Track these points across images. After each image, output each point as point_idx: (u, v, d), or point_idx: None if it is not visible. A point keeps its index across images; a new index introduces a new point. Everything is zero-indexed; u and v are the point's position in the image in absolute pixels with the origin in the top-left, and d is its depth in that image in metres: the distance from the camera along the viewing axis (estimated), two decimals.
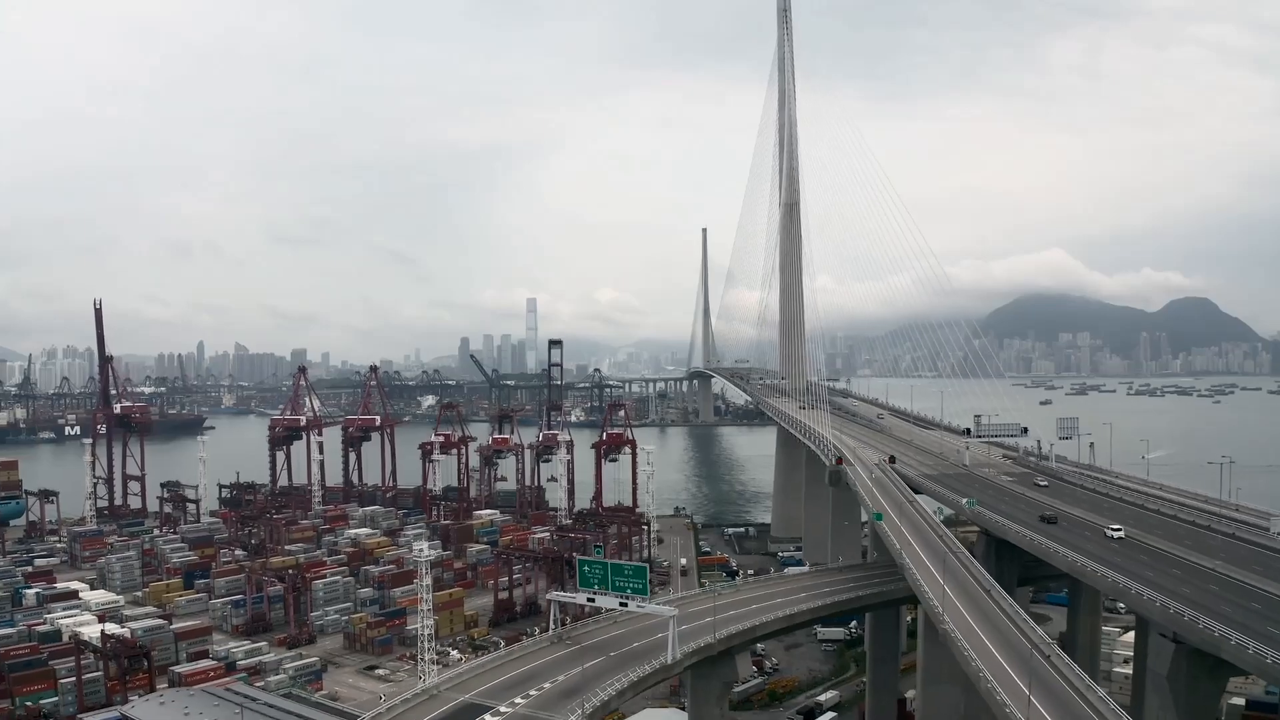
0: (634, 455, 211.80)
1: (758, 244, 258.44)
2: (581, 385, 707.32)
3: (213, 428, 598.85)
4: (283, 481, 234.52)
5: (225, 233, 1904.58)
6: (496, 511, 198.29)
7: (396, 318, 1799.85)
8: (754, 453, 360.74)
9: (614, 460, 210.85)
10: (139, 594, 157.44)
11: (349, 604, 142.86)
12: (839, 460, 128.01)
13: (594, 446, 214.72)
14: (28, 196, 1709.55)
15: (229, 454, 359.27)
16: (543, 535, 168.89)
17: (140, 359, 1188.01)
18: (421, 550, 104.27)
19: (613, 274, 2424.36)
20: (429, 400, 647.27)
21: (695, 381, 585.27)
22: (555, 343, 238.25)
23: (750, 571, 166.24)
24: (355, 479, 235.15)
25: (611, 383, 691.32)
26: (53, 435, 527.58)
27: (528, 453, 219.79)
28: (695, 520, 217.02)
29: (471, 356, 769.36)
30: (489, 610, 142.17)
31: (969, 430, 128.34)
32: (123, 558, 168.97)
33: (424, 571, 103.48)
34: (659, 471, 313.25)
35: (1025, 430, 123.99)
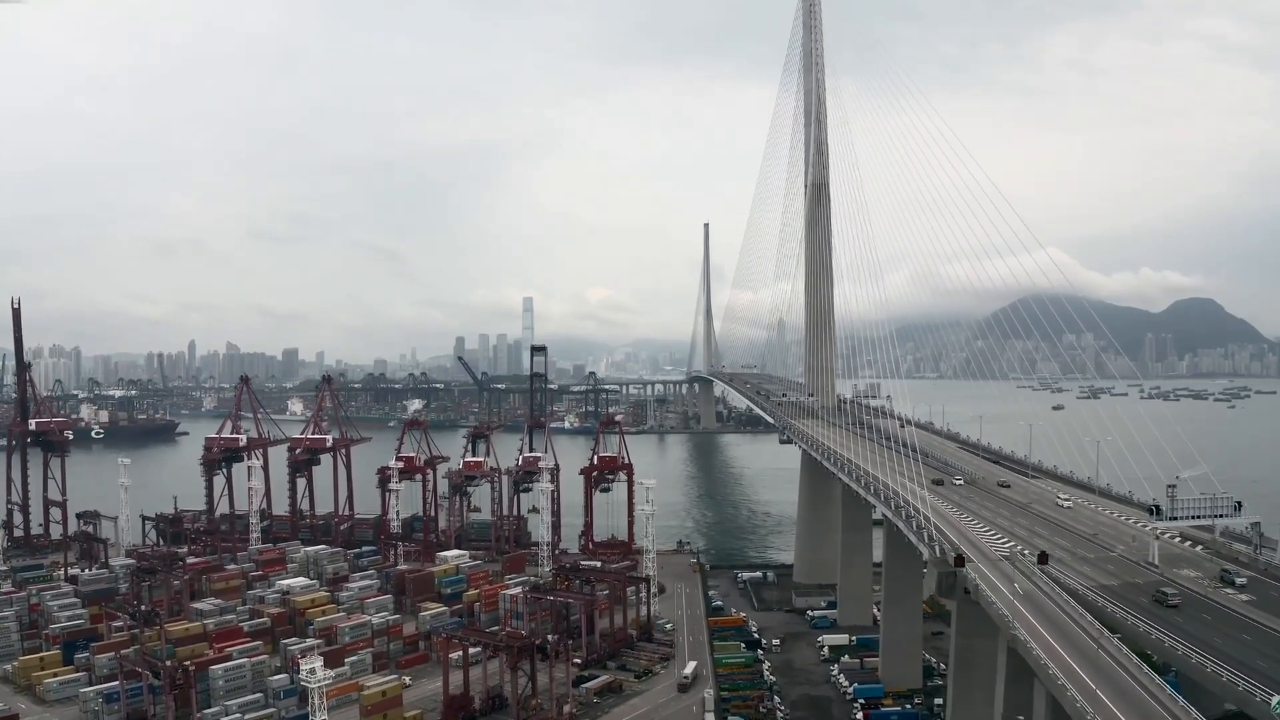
0: (630, 483, 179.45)
1: (768, 238, 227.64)
2: (576, 388, 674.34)
3: (185, 434, 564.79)
4: (225, 509, 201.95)
5: (211, 230, 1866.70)
6: (465, 554, 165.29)
7: (389, 316, 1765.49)
8: (762, 465, 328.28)
9: (606, 490, 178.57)
10: (10, 667, 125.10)
11: (259, 695, 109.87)
12: (959, 559, 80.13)
13: (583, 472, 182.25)
14: (11, 193, 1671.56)
15: (187, 468, 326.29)
16: (517, 590, 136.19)
17: (131, 358, 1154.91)
18: (313, 670, 71.75)
19: (607, 273, 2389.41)
20: (415, 405, 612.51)
21: (696, 385, 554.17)
22: (539, 349, 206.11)
23: (776, 642, 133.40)
24: (307, 507, 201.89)
25: (608, 386, 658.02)
26: (13, 443, 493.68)
27: (505, 479, 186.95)
28: (701, 559, 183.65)
29: (460, 359, 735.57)
30: (439, 702, 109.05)
31: (1157, 508, 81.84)
32: None
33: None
34: (658, 490, 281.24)
35: (1239, 506, 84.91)
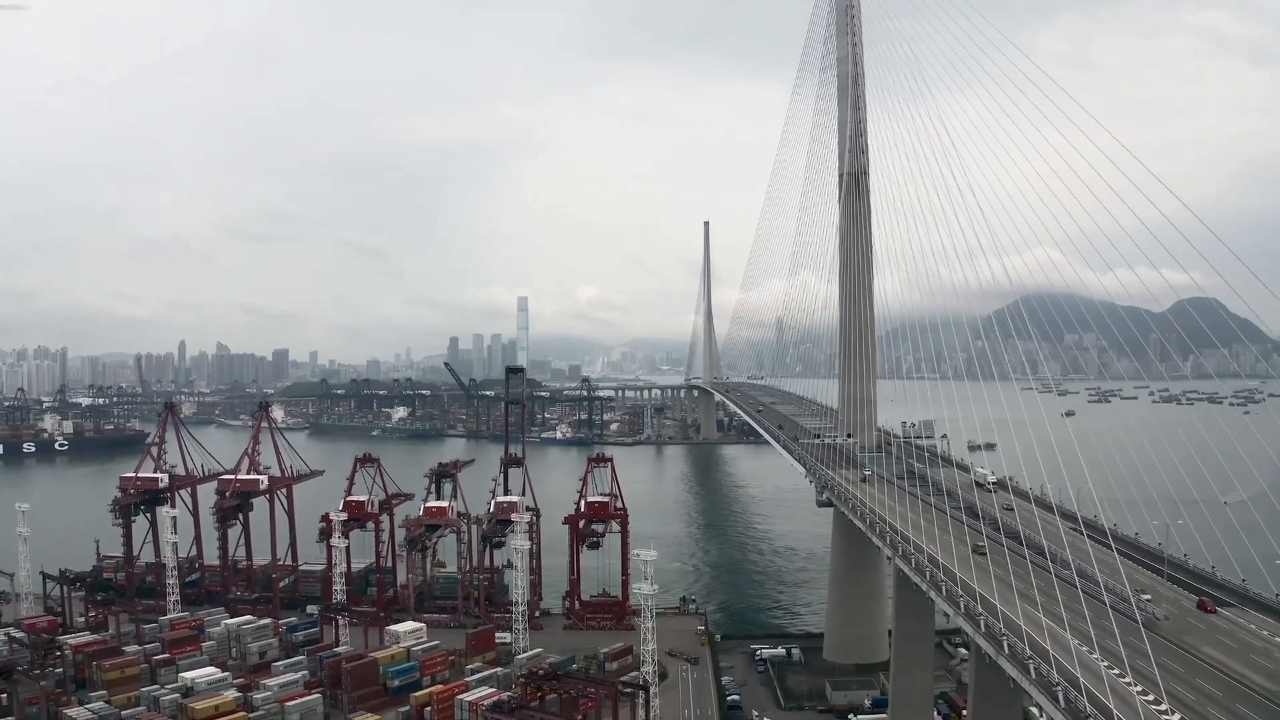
0: (624, 532, 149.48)
1: (782, 237, 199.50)
2: (571, 389, 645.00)
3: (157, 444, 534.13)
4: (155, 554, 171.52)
5: (194, 229, 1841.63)
6: (422, 627, 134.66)
7: (381, 316, 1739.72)
8: (770, 485, 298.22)
9: (595, 545, 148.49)
10: None
11: None
12: None
13: (567, 521, 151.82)
14: None
15: None
16: (478, 695, 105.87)
17: (121, 358, 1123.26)
18: None
19: (599, 272, 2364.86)
20: (400, 413, 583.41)
21: (695, 390, 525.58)
22: (515, 370, 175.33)
23: None
24: (243, 555, 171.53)
25: (603, 389, 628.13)
26: None
27: (474, 529, 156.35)
28: (709, 624, 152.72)
29: (447, 365, 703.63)
30: None
31: None
32: None
33: None
34: (657, 520, 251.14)
35: None
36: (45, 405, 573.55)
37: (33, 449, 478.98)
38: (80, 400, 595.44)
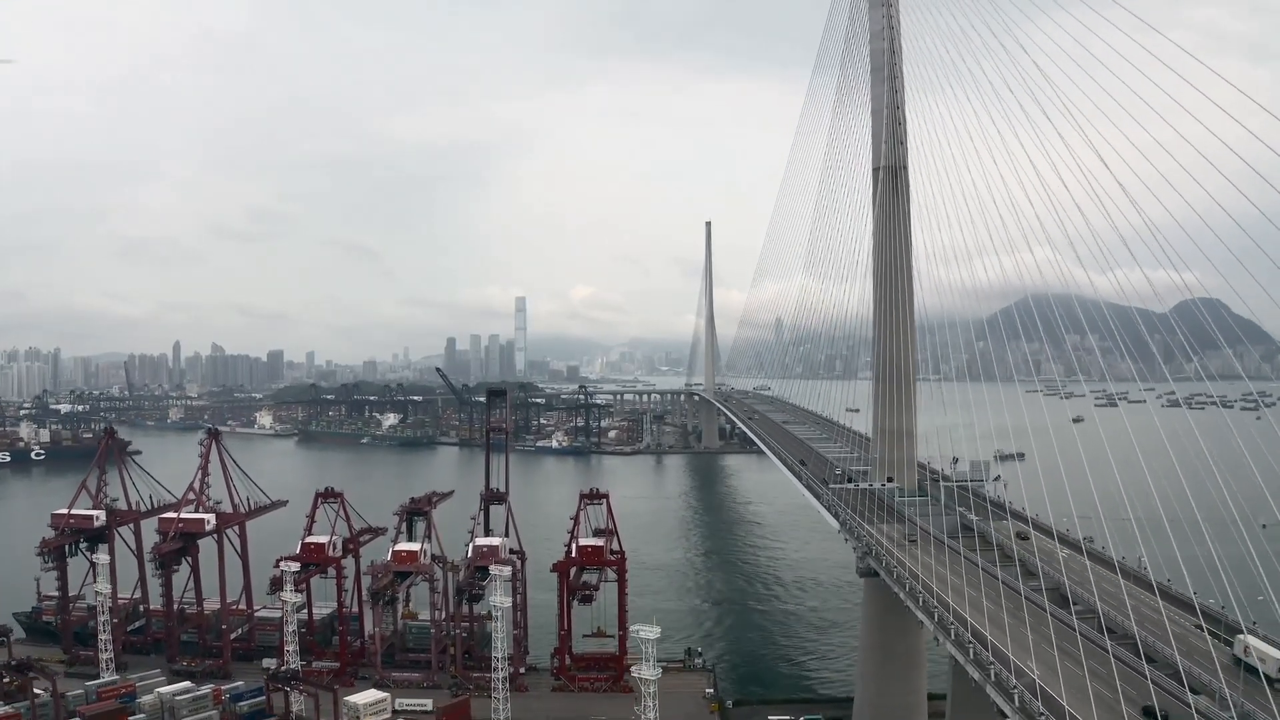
0: (621, 580, 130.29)
1: (794, 235, 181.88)
2: (568, 392, 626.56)
3: (139, 453, 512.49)
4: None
5: (188, 229, 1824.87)
6: (386, 697, 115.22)
7: (377, 316, 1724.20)
8: (779, 502, 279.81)
9: (588, 599, 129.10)
10: None
11: None
12: None
13: (555, 568, 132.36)
14: None
15: None
16: None
17: (115, 359, 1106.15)
18: None
19: (594, 271, 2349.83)
20: (391, 419, 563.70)
21: (696, 396, 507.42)
22: (498, 393, 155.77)
23: None
24: (192, 599, 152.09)
25: (601, 393, 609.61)
26: None
27: (449, 576, 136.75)
28: (718, 684, 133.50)
29: (438, 370, 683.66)
30: None
31: None
32: None
33: None
34: (657, 546, 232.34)
35: None
36: (23, 412, 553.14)
37: (8, 459, 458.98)
38: (59, 407, 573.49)
